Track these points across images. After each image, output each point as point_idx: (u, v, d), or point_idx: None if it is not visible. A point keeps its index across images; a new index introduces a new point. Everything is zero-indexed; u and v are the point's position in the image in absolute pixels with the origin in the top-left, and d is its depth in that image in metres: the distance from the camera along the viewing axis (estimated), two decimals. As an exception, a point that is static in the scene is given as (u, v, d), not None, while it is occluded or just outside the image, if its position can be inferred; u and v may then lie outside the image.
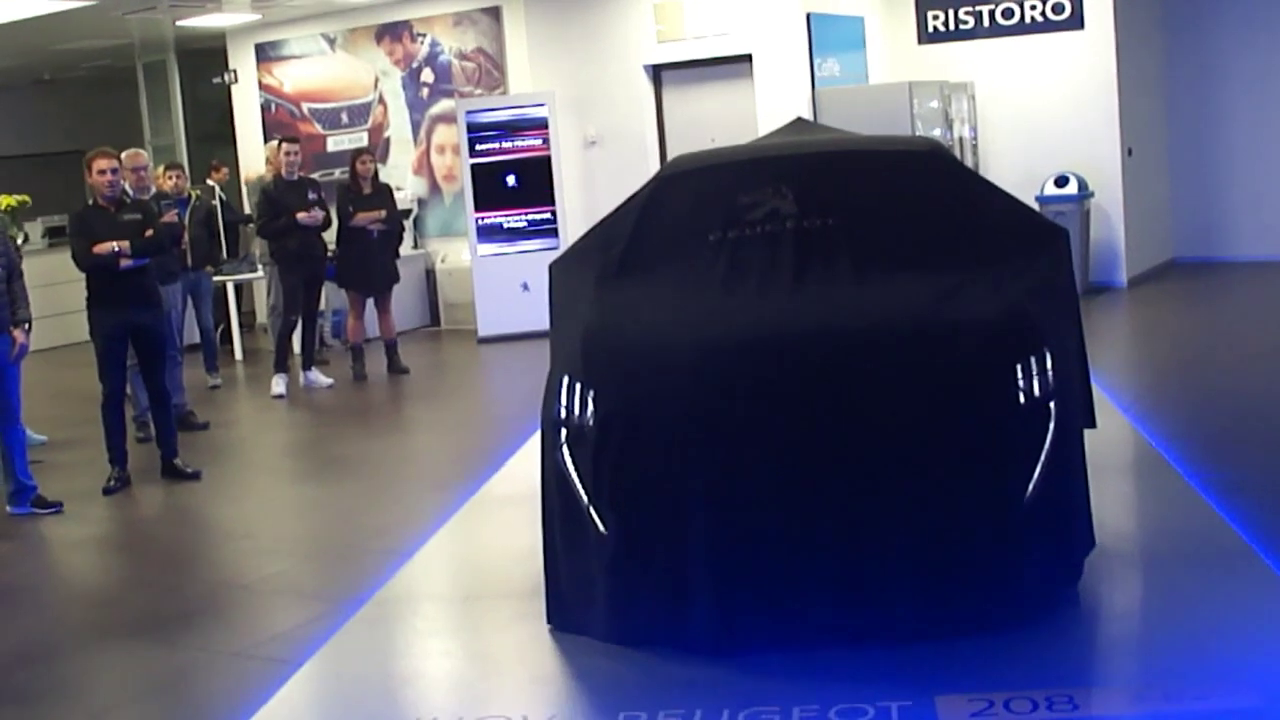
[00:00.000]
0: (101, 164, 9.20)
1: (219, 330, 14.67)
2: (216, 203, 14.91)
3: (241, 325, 16.07)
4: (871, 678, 4.84)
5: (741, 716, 4.62)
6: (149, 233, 9.34)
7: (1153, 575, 5.99)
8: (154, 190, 11.43)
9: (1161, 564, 6.06)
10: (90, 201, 9.39)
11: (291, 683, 5.37)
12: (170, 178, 12.81)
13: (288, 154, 13.03)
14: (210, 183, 15.93)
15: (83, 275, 9.29)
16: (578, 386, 5.46)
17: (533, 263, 13.90)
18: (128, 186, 10.31)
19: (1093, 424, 6.18)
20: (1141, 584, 5.95)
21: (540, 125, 15.75)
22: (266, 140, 17.75)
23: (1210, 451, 7.97)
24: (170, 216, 10.49)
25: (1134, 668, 5.13)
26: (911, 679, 4.80)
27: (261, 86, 18.63)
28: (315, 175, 15.59)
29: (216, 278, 14.22)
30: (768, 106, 14.85)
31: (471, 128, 15.77)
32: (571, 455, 5.45)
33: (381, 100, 17.87)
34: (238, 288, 15.67)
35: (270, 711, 5.07)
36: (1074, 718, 4.48)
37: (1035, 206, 12.96)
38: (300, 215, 12.68)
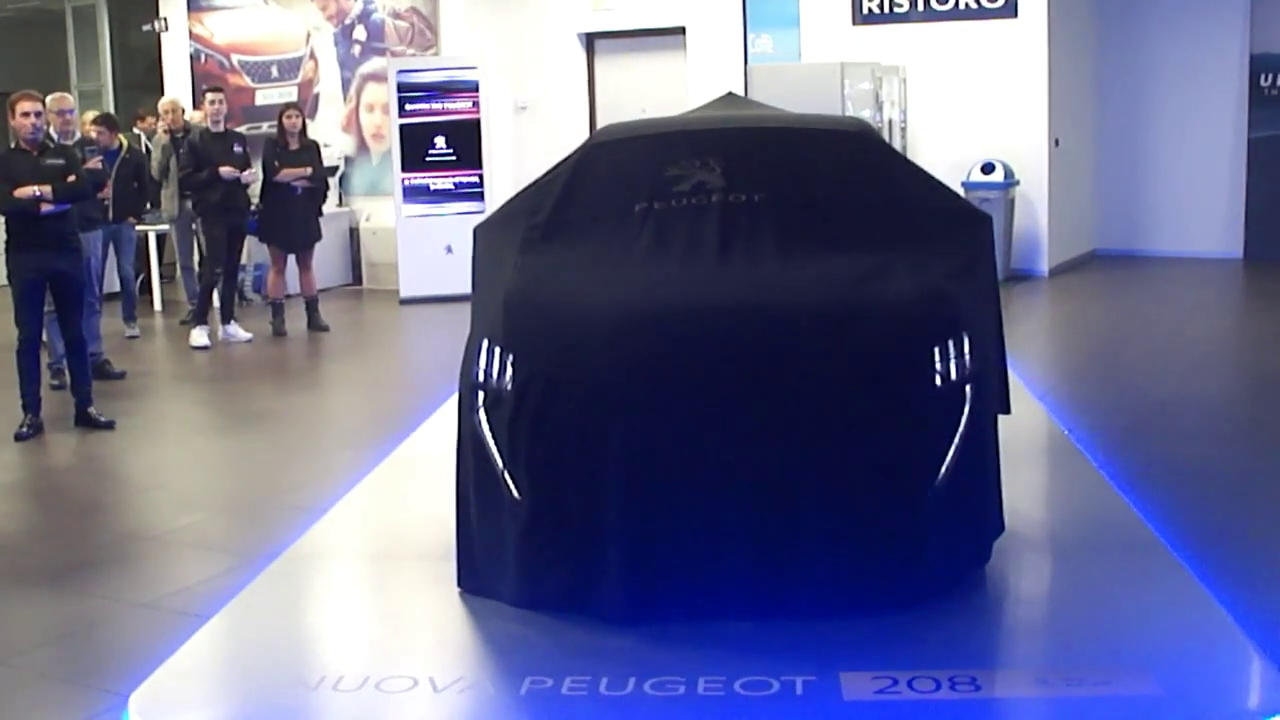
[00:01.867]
0: (25, 106, 9.09)
1: (139, 280, 14.55)
2: (143, 151, 14.76)
3: (162, 276, 15.92)
4: (777, 652, 4.85)
5: (647, 685, 4.63)
6: (71, 178, 9.23)
7: (1060, 561, 6.04)
8: (79, 136, 11.29)
9: (1069, 551, 6.11)
10: (12, 144, 9.27)
11: (198, 636, 5.32)
12: (99, 131, 12.67)
13: (213, 103, 12.95)
14: (136, 131, 15.77)
15: (1, 219, 9.18)
16: (497, 350, 5.45)
17: (458, 225, 13.84)
18: (52, 131, 10.19)
19: (1007, 410, 6.22)
20: (1048, 570, 5.99)
21: (471, 88, 15.72)
22: (195, 91, 17.60)
23: (1121, 441, 8.06)
24: (94, 163, 10.37)
25: (1038, 652, 5.17)
26: (817, 654, 4.82)
27: (192, 36, 18.47)
28: (243, 129, 15.47)
29: (139, 228, 14.08)
30: (699, 80, 14.89)
31: (402, 88, 15.71)
32: (488, 419, 5.43)
33: (313, 56, 17.76)
34: (159, 238, 15.51)
35: (175, 664, 5.03)
36: (977, 698, 4.51)
37: (961, 192, 13.03)
38: (223, 169, 12.61)
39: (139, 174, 13.28)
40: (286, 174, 13.29)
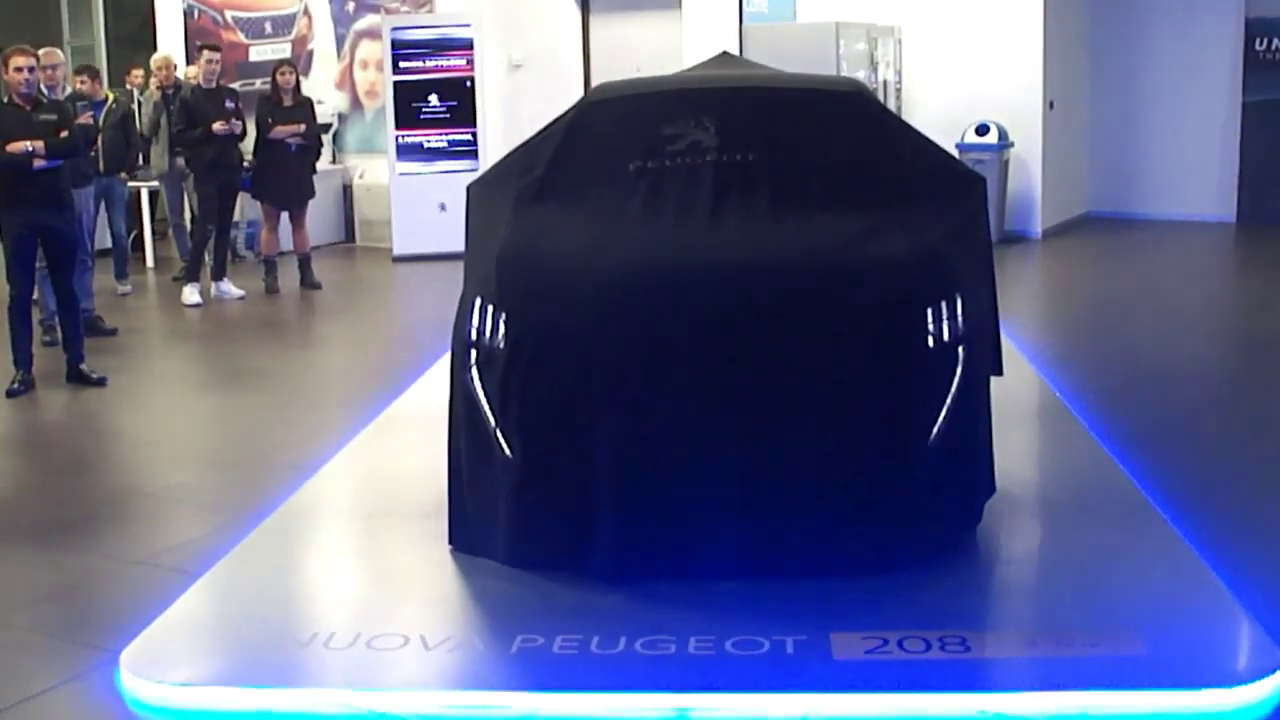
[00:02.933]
0: (18, 61, 9.05)
1: (131, 237, 14.51)
2: (136, 107, 14.69)
3: (155, 233, 15.88)
4: (768, 612, 4.86)
5: (638, 644, 4.63)
6: (64, 134, 9.19)
7: (1050, 523, 6.05)
8: (70, 91, 11.24)
9: (1059, 512, 6.12)
10: (4, 99, 9.23)
11: (190, 593, 5.32)
12: (81, 81, 12.61)
13: (209, 61, 12.92)
14: (129, 87, 15.71)
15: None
16: (490, 309, 5.43)
17: (451, 183, 13.82)
18: (43, 86, 10.14)
19: (1000, 371, 6.22)
20: (1039, 531, 6.00)
21: (465, 46, 15.66)
22: (188, 47, 17.53)
23: (1113, 404, 8.06)
24: (85, 118, 10.32)
25: (1027, 613, 5.19)
26: (808, 614, 4.83)
27: (185, -9, 18.38)
28: (236, 85, 15.41)
29: (131, 184, 14.04)
30: (694, 40, 14.84)
31: (396, 45, 15.66)
32: (480, 377, 5.42)
33: (306, 12, 17.69)
34: (151, 194, 15.46)
35: (167, 620, 5.04)
36: (966, 659, 4.52)
37: (955, 154, 13.00)
38: (216, 125, 12.57)
39: (126, 126, 13.22)
40: (280, 131, 13.25)
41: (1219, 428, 7.79)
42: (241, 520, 6.27)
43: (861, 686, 4.33)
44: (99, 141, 11.82)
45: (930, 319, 5.28)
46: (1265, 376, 9.15)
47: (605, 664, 4.54)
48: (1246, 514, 6.17)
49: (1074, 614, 4.89)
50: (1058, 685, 4.32)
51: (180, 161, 13.61)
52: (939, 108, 15.25)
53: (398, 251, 15.51)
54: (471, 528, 5.58)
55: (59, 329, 9.83)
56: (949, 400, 5.30)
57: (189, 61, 16.53)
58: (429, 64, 15.66)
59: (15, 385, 9.12)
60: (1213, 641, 4.67)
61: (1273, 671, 4.37)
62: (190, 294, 12.82)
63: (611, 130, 6.21)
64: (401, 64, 15.65)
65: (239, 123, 12.79)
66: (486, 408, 5.40)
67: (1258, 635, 4.66)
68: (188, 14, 18.35)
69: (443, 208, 14.75)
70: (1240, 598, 4.95)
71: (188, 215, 14.31)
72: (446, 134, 15.67)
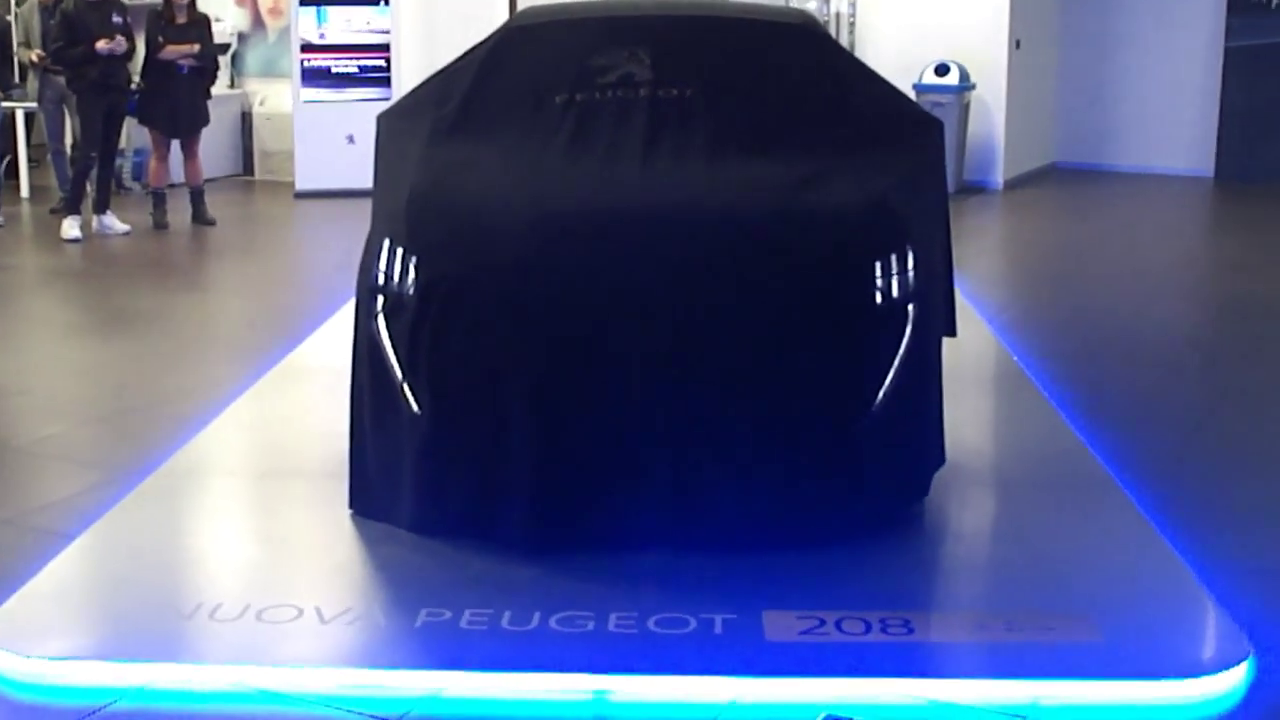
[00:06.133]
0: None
1: (4, 164, 14.36)
2: (12, 19, 14.51)
3: (31, 160, 15.71)
4: (696, 588, 4.88)
5: (553, 620, 4.64)
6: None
7: (1003, 497, 6.11)
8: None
9: (1013, 486, 6.18)
10: None
11: (63, 556, 5.29)
12: None
13: (94, -31, 12.74)
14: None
15: None
16: (399, 251, 5.41)
17: (361, 113, 13.66)
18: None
19: (953, 332, 6.26)
20: (991, 506, 6.06)
21: (380, -38, 15.56)
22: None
23: (1074, 370, 8.12)
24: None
25: (976, 594, 5.22)
26: (738, 592, 4.85)
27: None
28: (124, -2, 15.25)
29: (4, 104, 13.88)
30: (631, -38, 14.75)
31: (302, -43, 15.54)
32: (387, 326, 5.40)
33: (204, -80, 17.48)
34: (27, 117, 15.27)
35: (38, 586, 5.00)
36: (909, 642, 4.56)
37: (912, 95, 13.03)
38: (99, 44, 12.42)
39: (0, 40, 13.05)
40: (171, 51, 13.12)
41: (1188, 398, 7.86)
42: (121, 478, 6.23)
43: (795, 670, 4.35)
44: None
45: (878, 274, 5.29)
46: (1238, 343, 9.23)
47: (517, 641, 4.54)
48: (1214, 492, 6.23)
49: (1026, 596, 4.92)
50: (1007, 672, 4.36)
51: (60, 81, 13.45)
52: (895, 44, 15.28)
53: (300, 187, 15.43)
54: (374, 491, 5.57)
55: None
56: (896, 363, 5.31)
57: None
58: (339, -20, 15.57)
59: None
60: (1175, 629, 4.71)
61: (1239, 662, 4.41)
62: (70, 228, 12.70)
63: (536, 59, 6.19)
64: (309, -21, 15.56)
65: (125, 41, 12.65)
66: (393, 360, 5.39)
67: (1224, 623, 4.70)
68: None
69: (351, 140, 14.67)
70: (1206, 582, 5.00)
71: (68, 141, 14.16)
72: (357, 59, 15.58)
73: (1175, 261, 12.33)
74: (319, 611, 4.77)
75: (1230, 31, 16.42)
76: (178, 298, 10.76)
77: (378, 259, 5.49)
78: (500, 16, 14.20)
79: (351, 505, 5.65)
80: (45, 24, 13.55)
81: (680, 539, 5.18)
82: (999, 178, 15.72)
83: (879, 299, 5.28)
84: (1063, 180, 16.69)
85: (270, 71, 17.23)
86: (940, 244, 6.01)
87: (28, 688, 4.42)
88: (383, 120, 6.30)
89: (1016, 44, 15.54)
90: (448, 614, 4.71)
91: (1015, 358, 8.25)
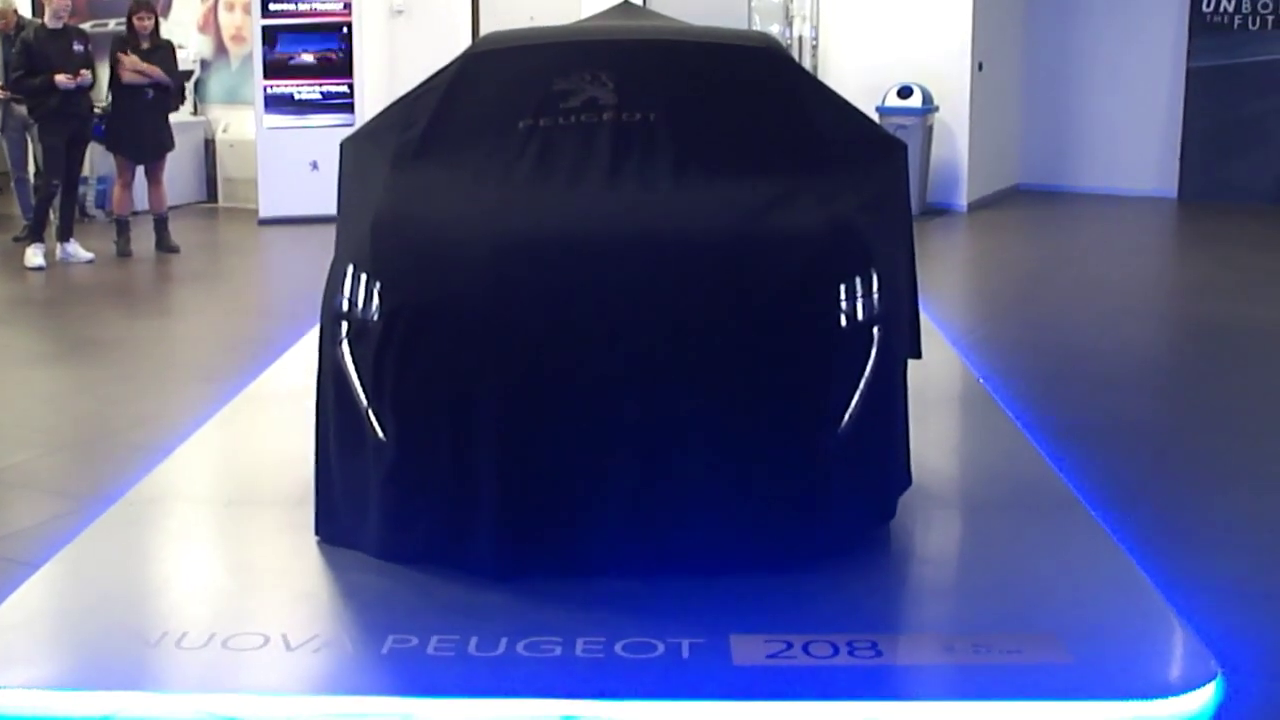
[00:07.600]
0: None
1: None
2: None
3: (-8, 187, 15.69)
4: (663, 612, 4.88)
5: (520, 646, 4.64)
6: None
7: (970, 519, 6.11)
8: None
9: (980, 508, 6.19)
10: None
11: (27, 586, 5.26)
12: None
13: None
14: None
15: None
16: (364, 277, 5.41)
17: (325, 139, 13.66)
18: None
19: (918, 354, 6.27)
20: (958, 528, 6.06)
21: (342, -13, 15.57)
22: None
23: (1040, 391, 8.15)
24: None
25: (944, 616, 5.21)
26: (706, 615, 4.85)
27: (30, -80, 18.11)
28: (88, 25, 15.22)
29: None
30: (594, -13, 14.79)
31: (265, -16, 15.54)
32: (352, 352, 5.40)
33: (167, -54, 17.49)
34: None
35: (3, 615, 4.97)
36: (877, 665, 4.56)
37: (875, 117, 13.08)
38: (59, 78, 12.39)
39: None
40: (129, 72, 13.08)
41: (1154, 419, 7.89)
42: (85, 506, 6.22)
43: (763, 694, 4.36)
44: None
45: (843, 296, 5.29)
46: (1204, 364, 9.28)
47: (484, 667, 4.53)
48: (1182, 512, 6.25)
49: (994, 618, 4.93)
50: (976, 694, 4.37)
51: (23, 110, 13.41)
52: (858, 67, 15.33)
53: (264, 213, 15.41)
54: (340, 517, 5.56)
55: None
56: (862, 385, 5.32)
57: (34, 10, 16.26)
58: (302, 7, 15.55)
59: None
60: (1143, 650, 4.72)
61: (1207, 682, 4.42)
62: (33, 256, 12.66)
63: (500, 84, 6.20)
64: (271, 6, 15.52)
65: (87, 73, 12.63)
66: (358, 386, 5.38)
67: (1192, 643, 4.72)
68: (34, -55, 18.11)
69: (314, 166, 14.67)
70: (1173, 602, 5.02)
71: (31, 169, 14.11)
72: (320, 85, 15.57)
73: (1140, 282, 12.38)
74: (285, 639, 4.76)
75: (1192, 52, 16.52)
76: (142, 325, 10.73)
77: (342, 285, 5.48)
78: (464, 42, 14.25)
79: (317, 532, 5.63)
80: (6, 53, 13.50)
81: (647, 563, 5.18)
82: (963, 199, 15.77)
83: (844, 321, 5.28)
84: (1027, 201, 16.75)
85: (233, 98, 17.22)
86: (905, 266, 6.02)
87: (-8, 718, 4.41)
88: (347, 146, 6.30)
89: (979, 66, 15.60)
90: (414, 640, 4.70)
91: (980, 379, 8.27)
